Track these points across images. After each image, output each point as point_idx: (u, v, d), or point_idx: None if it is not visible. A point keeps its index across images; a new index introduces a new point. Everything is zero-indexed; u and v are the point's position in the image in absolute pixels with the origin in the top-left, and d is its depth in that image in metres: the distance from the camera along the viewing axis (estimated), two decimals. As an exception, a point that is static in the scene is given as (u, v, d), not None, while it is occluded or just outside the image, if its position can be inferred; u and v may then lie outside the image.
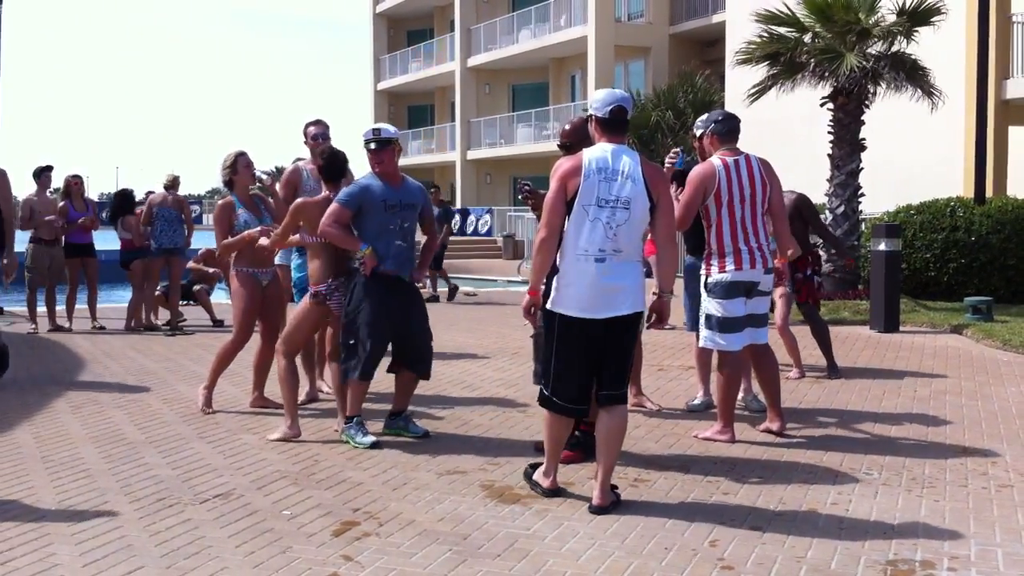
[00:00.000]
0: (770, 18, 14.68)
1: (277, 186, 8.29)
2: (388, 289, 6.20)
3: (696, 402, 7.39)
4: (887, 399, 7.69)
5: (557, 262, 4.98)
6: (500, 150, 37.76)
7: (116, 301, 14.49)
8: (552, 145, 31.08)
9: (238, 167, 7.23)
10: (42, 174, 12.11)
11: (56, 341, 11.20)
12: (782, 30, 14.66)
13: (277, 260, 7.75)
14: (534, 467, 5.35)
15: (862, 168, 14.81)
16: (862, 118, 14.65)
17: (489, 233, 34.00)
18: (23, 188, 12.66)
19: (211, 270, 13.91)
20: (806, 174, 14.40)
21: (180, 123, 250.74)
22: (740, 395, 7.06)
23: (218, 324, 12.40)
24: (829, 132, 14.85)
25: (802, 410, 7.25)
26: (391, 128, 6.43)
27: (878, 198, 16.14)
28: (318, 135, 7.88)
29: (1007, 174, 17.36)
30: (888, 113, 15.71)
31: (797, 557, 4.33)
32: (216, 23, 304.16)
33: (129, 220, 12.49)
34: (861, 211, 14.94)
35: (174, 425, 6.90)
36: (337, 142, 7.34)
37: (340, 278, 6.40)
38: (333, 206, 6.21)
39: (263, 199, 7.50)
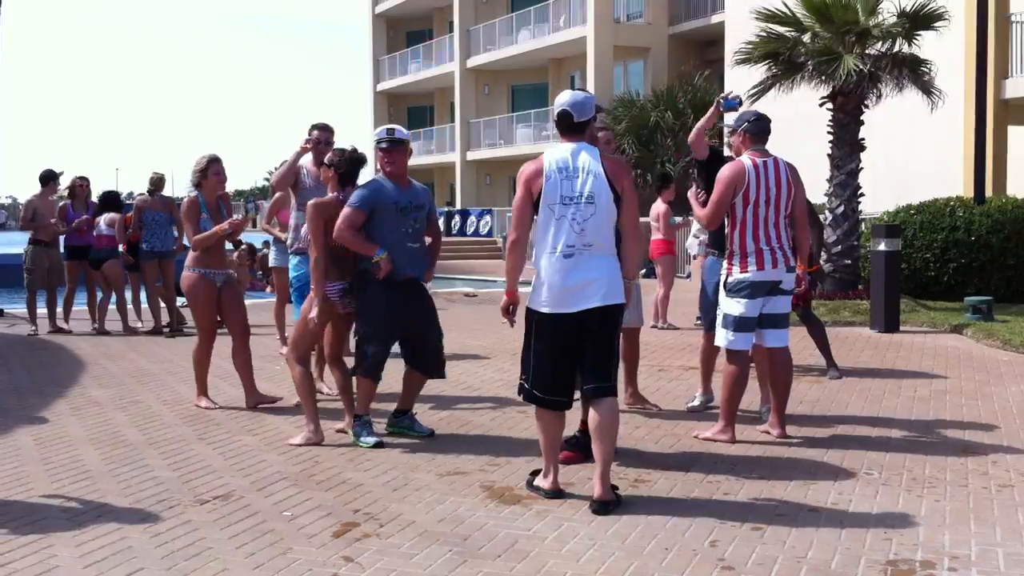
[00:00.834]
0: (770, 16, 14.68)
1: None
2: (398, 290, 6.21)
3: (695, 403, 7.38)
4: (887, 399, 7.69)
5: (532, 262, 5.13)
6: (500, 151, 37.77)
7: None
8: (551, 145, 31.06)
9: (208, 174, 7.47)
10: (48, 181, 12.10)
11: (56, 343, 11.20)
12: (781, 29, 14.67)
13: (272, 262, 7.80)
14: (535, 474, 5.36)
15: (862, 168, 14.82)
16: (861, 118, 14.66)
17: (489, 234, 33.99)
18: (24, 189, 12.68)
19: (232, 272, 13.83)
20: (805, 174, 14.27)
21: (180, 125, 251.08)
22: (759, 405, 7.03)
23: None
24: (828, 132, 14.86)
25: (802, 410, 7.25)
26: (404, 130, 6.49)
27: (878, 198, 16.15)
28: (321, 140, 7.89)
29: (1007, 174, 17.37)
30: (888, 113, 15.74)
31: (797, 557, 4.33)
32: (215, 25, 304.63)
33: (114, 218, 12.32)
34: (861, 211, 14.95)
35: (174, 427, 6.90)
36: (339, 144, 7.34)
37: (346, 280, 6.39)
38: (347, 210, 6.19)
39: (226, 199, 7.75)
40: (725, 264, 6.31)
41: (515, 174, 5.31)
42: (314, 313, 6.32)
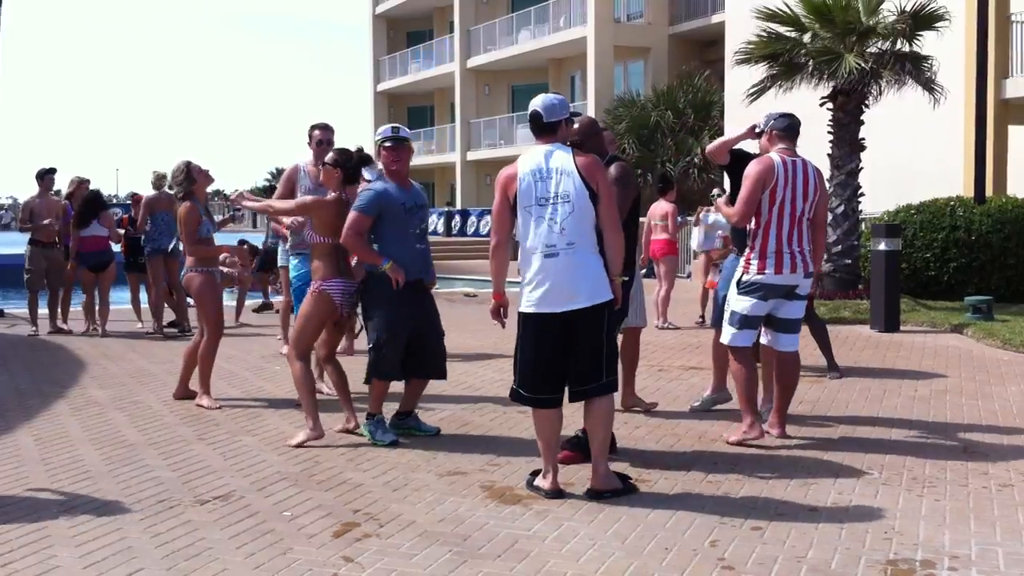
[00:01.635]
0: (770, 16, 14.68)
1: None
2: (403, 291, 6.22)
3: (697, 404, 7.34)
4: (887, 399, 7.69)
5: (519, 264, 5.20)
6: (500, 151, 37.75)
7: (117, 303, 14.46)
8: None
9: (193, 175, 7.51)
10: (44, 176, 12.09)
11: (56, 343, 11.20)
12: (782, 29, 14.66)
13: (281, 261, 7.81)
14: (535, 474, 5.37)
15: (861, 168, 14.81)
16: (861, 118, 14.66)
17: (489, 234, 34.01)
18: (25, 190, 12.67)
19: (226, 270, 13.80)
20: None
21: (180, 125, 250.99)
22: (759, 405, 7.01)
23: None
24: (829, 132, 14.85)
25: (802, 410, 7.24)
26: (407, 129, 6.52)
27: (878, 198, 16.13)
28: (322, 140, 7.90)
29: (1007, 173, 17.35)
30: (888, 113, 15.72)
31: (797, 557, 4.33)
32: (214, 25, 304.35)
33: (107, 216, 12.16)
34: (861, 211, 14.94)
35: (174, 427, 6.90)
36: (339, 144, 7.34)
37: (349, 280, 6.39)
38: (353, 215, 6.16)
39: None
40: (742, 262, 6.23)
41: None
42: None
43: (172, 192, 7.72)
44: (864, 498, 5.16)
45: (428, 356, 6.44)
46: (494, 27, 38.22)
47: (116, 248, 12.83)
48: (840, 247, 14.49)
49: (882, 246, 11.75)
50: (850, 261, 14.51)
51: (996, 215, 13.86)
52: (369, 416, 6.35)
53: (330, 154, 6.67)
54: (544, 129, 5.20)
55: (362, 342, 7.13)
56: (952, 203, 14.27)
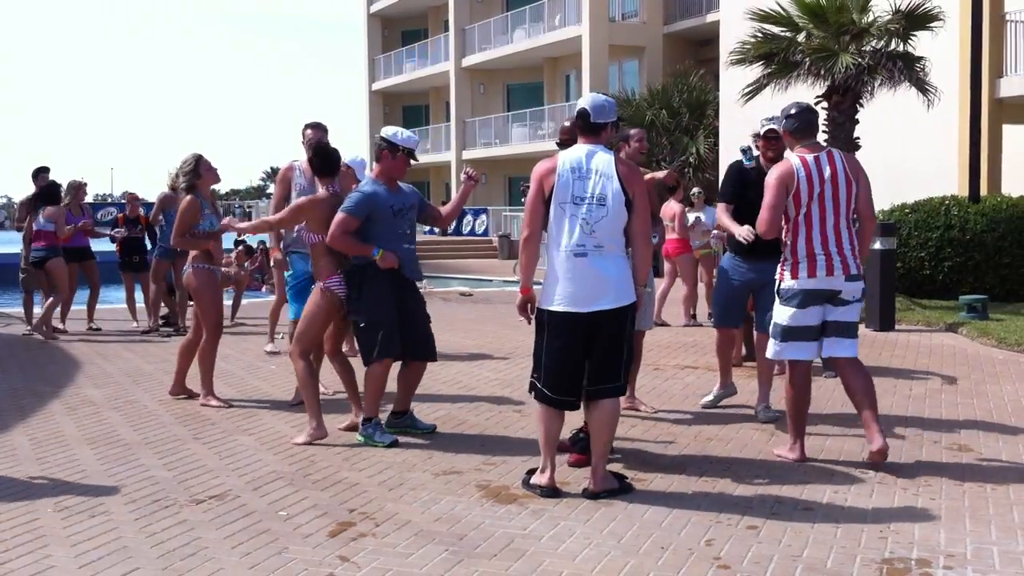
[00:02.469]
0: (764, 17, 14.68)
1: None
2: (391, 283, 6.23)
3: (709, 398, 7.32)
4: (883, 398, 7.67)
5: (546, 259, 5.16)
6: (495, 150, 37.76)
7: (113, 303, 14.46)
8: (547, 145, 31.09)
9: (200, 171, 7.42)
10: (39, 175, 12.08)
11: (51, 343, 11.18)
12: (776, 30, 14.66)
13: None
14: (531, 473, 5.36)
15: (857, 167, 14.79)
16: (856, 117, 14.67)
17: (485, 233, 34.02)
18: (19, 189, 12.62)
19: (232, 270, 13.78)
20: (801, 173, 14.34)
21: (174, 124, 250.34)
22: (755, 404, 7.01)
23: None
24: (824, 131, 14.84)
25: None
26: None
27: (873, 196, 16.12)
28: (315, 139, 7.90)
29: (1001, 172, 17.37)
30: (882, 112, 15.72)
31: (793, 556, 4.34)
32: (209, 24, 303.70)
33: (52, 211, 11.54)
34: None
35: (170, 426, 6.89)
36: (334, 143, 7.35)
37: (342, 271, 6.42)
38: (340, 216, 6.17)
39: (212, 196, 7.95)
40: (779, 269, 5.88)
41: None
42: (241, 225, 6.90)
43: (181, 186, 7.68)
44: (860, 497, 5.17)
45: (419, 337, 6.42)
46: (489, 26, 38.20)
47: (108, 247, 12.89)
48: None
49: (877, 245, 11.75)
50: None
51: (991, 214, 13.88)
52: (365, 420, 6.34)
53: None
54: (590, 129, 5.18)
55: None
56: (947, 202, 14.30)
